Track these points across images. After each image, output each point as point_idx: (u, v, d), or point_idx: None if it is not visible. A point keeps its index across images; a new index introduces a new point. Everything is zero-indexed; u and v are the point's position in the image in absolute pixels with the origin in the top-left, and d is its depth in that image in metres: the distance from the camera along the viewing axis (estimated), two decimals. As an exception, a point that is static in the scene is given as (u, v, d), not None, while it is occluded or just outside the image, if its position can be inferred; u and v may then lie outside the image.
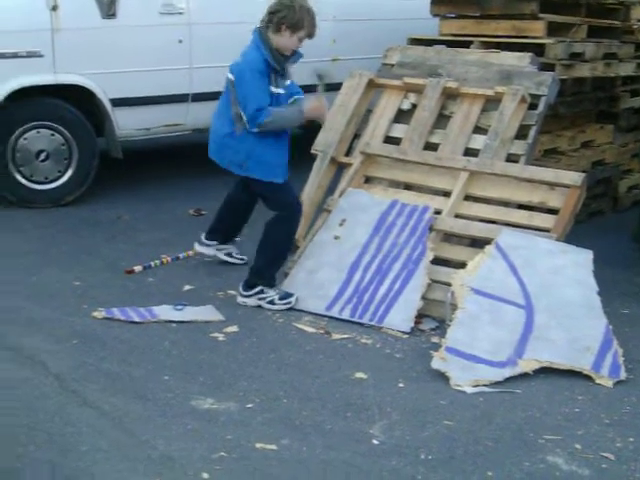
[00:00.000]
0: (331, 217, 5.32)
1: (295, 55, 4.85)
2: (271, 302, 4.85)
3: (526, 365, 4.15)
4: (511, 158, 5.49)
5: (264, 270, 4.92)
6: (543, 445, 3.56)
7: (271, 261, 4.96)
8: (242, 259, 5.52)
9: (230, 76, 4.80)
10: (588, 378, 4.13)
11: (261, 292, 4.87)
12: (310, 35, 4.79)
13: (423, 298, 4.76)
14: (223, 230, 5.54)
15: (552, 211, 5.06)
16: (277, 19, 4.67)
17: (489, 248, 4.71)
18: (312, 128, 5.75)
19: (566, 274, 4.54)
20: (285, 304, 4.84)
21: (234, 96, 4.76)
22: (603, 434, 3.68)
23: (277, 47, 4.72)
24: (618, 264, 5.77)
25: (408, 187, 5.54)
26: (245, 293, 4.91)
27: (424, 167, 5.48)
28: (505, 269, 4.58)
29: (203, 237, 5.57)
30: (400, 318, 4.70)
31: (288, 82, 4.91)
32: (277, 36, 4.70)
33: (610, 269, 5.45)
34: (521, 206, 5.21)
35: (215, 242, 5.56)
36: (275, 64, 4.73)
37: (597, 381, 4.10)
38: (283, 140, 4.87)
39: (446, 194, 5.32)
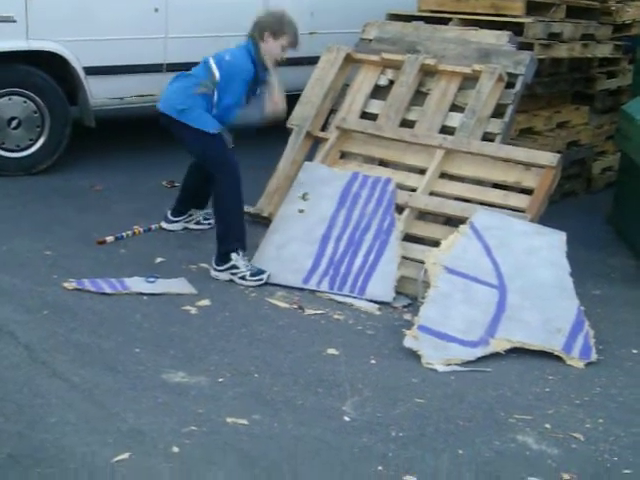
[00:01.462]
0: (291, 191, 5.30)
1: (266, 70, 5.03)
2: (242, 278, 4.83)
3: (498, 345, 4.16)
4: (487, 137, 5.49)
5: (223, 235, 4.93)
6: (513, 424, 3.58)
7: (227, 224, 4.94)
8: (210, 223, 5.53)
9: (214, 67, 4.86)
10: (559, 359, 4.15)
11: (233, 267, 4.85)
12: (293, 44, 4.97)
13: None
14: (189, 198, 5.59)
15: (527, 191, 5.07)
16: (261, 26, 4.90)
17: (464, 227, 4.71)
18: (290, 102, 5.72)
19: (540, 255, 4.55)
20: (256, 280, 4.82)
21: (210, 82, 4.86)
22: (573, 414, 3.70)
23: (263, 55, 4.90)
24: (591, 245, 5.80)
25: (383, 163, 5.52)
26: (218, 268, 4.89)
27: (400, 144, 5.46)
28: (479, 249, 4.59)
29: (169, 214, 5.64)
30: (381, 289, 4.71)
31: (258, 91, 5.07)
32: (262, 44, 4.89)
33: (583, 250, 5.48)
34: (496, 185, 5.21)
35: (181, 217, 5.62)
36: (259, 75, 4.93)
37: (568, 362, 4.12)
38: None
39: (421, 171, 5.31)
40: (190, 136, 4.92)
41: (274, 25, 4.90)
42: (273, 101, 5.03)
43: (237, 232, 4.94)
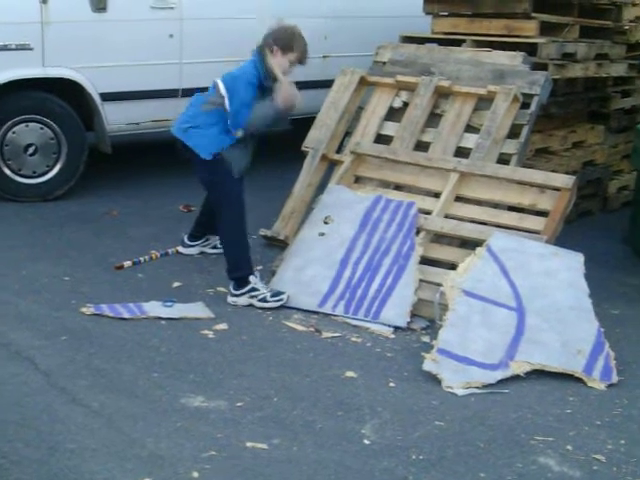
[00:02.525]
0: (314, 214, 5.30)
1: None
2: (263, 300, 4.83)
3: (518, 367, 4.13)
4: (503, 157, 5.49)
5: (236, 261, 4.93)
6: (535, 446, 3.56)
7: (232, 251, 4.95)
8: None
9: (219, 83, 4.85)
10: (580, 380, 4.12)
11: (253, 290, 4.85)
12: (301, 60, 4.98)
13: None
14: (206, 223, 5.58)
15: (542, 213, 5.05)
16: (271, 39, 4.90)
17: (480, 250, 4.69)
18: (303, 125, 5.74)
19: (557, 277, 4.53)
20: (277, 301, 4.82)
21: (217, 97, 4.83)
22: (594, 436, 3.67)
23: (271, 65, 4.86)
24: (608, 265, 5.78)
25: (398, 187, 5.52)
26: (236, 292, 4.88)
27: (414, 167, 5.46)
28: (496, 271, 4.57)
29: (186, 239, 5.66)
30: (395, 313, 4.69)
31: None
32: (271, 57, 4.87)
33: (600, 270, 5.45)
34: (511, 208, 5.20)
35: (198, 242, 5.65)
36: (265, 83, 4.87)
37: (589, 384, 4.09)
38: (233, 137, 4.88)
39: (436, 195, 5.30)
40: (196, 160, 4.91)
41: (284, 40, 4.90)
42: (283, 90, 4.89)
43: (245, 259, 4.94)
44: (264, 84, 4.88)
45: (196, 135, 4.89)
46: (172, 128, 5.03)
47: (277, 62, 4.89)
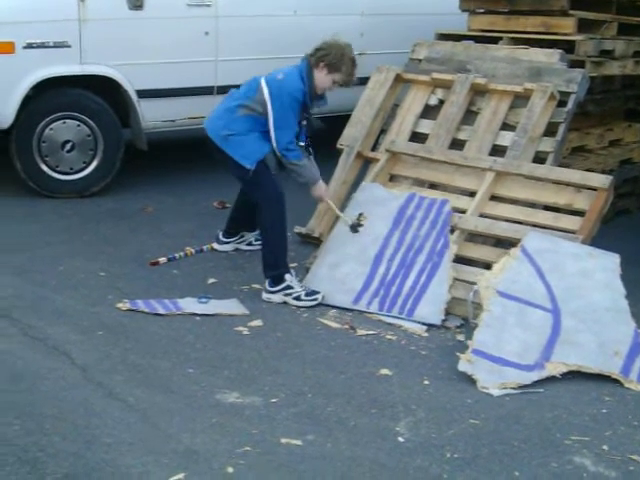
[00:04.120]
0: (347, 211, 5.30)
1: (322, 99, 5.04)
2: (297, 298, 4.83)
3: (554, 368, 4.10)
4: (539, 156, 5.45)
5: (273, 260, 4.93)
6: (570, 446, 3.53)
7: (271, 250, 4.94)
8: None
9: (264, 86, 4.84)
10: (615, 380, 4.09)
11: (288, 288, 4.85)
12: (346, 83, 4.96)
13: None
14: (241, 220, 5.61)
15: (578, 212, 5.01)
16: (320, 54, 4.86)
17: (515, 251, 4.66)
18: (337, 123, 5.74)
19: (593, 278, 4.49)
20: (311, 300, 4.83)
21: (257, 102, 4.83)
22: (631, 436, 3.64)
23: (314, 82, 4.88)
24: (645, 264, 5.71)
25: (433, 186, 5.50)
26: (271, 289, 4.89)
27: (450, 166, 5.43)
28: (531, 272, 4.54)
29: (221, 235, 5.68)
30: (429, 311, 4.68)
31: (304, 123, 5.02)
32: (316, 71, 4.87)
33: (637, 270, 5.38)
34: (547, 207, 5.17)
35: (232, 238, 5.66)
36: (308, 100, 4.88)
37: (626, 385, 4.05)
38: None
39: (472, 194, 5.27)
40: (232, 163, 4.91)
41: (333, 58, 4.85)
42: (318, 193, 5.14)
43: (280, 257, 4.94)
44: (306, 100, 4.88)
45: (237, 144, 4.85)
46: (208, 130, 5.00)
47: (320, 78, 4.88)
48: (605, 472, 3.37)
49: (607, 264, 4.56)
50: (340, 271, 5.00)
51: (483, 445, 3.51)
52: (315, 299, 4.83)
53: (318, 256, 5.15)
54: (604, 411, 3.84)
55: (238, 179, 5.07)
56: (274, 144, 4.84)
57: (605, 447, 3.54)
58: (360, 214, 5.19)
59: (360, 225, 5.12)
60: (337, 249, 5.11)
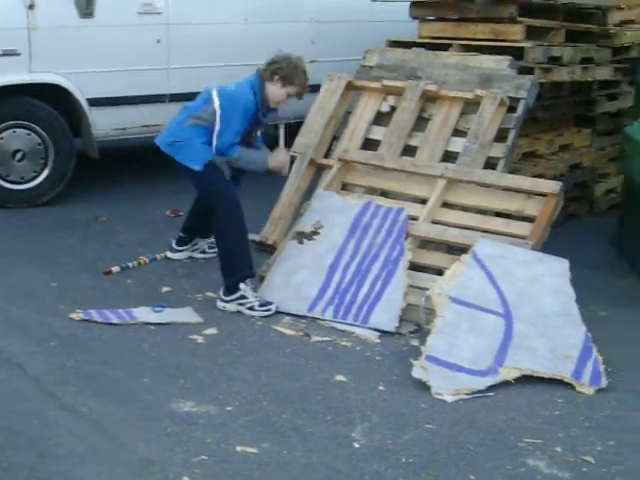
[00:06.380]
0: (304, 219, 5.30)
1: (272, 111, 5.10)
2: (251, 308, 4.82)
3: (507, 373, 4.13)
4: (490, 161, 5.50)
5: (229, 267, 4.90)
6: (524, 448, 3.57)
7: (231, 256, 4.92)
8: (215, 252, 5.49)
9: (215, 96, 4.86)
10: (567, 383, 4.13)
11: (242, 298, 4.84)
12: (299, 94, 5.03)
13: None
14: (194, 227, 5.60)
15: (528, 218, 5.06)
16: (274, 67, 4.92)
17: (466, 257, 4.70)
18: (290, 131, 5.75)
19: (543, 283, 4.55)
20: (265, 311, 4.81)
21: (207, 112, 4.86)
22: (583, 437, 3.69)
23: (267, 95, 4.94)
24: (596, 267, 5.79)
25: (385, 194, 5.52)
26: (226, 298, 4.88)
27: (402, 174, 5.46)
28: (483, 278, 4.58)
29: (174, 243, 5.66)
30: (384, 318, 4.69)
31: (259, 133, 5.14)
32: (269, 84, 4.92)
33: (588, 272, 5.47)
34: (498, 213, 5.22)
35: (186, 246, 5.65)
36: (260, 112, 4.95)
37: (578, 389, 4.09)
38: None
39: (423, 201, 5.30)
40: (183, 169, 4.92)
41: (287, 71, 4.91)
42: (278, 159, 5.11)
43: (243, 262, 4.91)
44: (258, 112, 4.93)
45: (182, 148, 4.89)
46: (157, 142, 5.02)
47: (274, 91, 4.94)
48: (559, 474, 3.40)
49: (556, 269, 4.61)
50: (295, 279, 5.00)
51: (438, 449, 3.53)
52: (269, 309, 4.82)
53: (273, 264, 5.15)
54: (557, 413, 3.89)
55: (193, 186, 5.07)
56: (214, 144, 4.83)
57: (558, 449, 3.58)
58: (317, 221, 5.19)
59: (317, 232, 5.14)
60: (292, 257, 5.11)
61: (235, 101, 4.86)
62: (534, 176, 5.78)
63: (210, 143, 4.86)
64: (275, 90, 4.94)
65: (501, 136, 5.59)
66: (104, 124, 6.79)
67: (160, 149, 4.99)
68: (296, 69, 4.96)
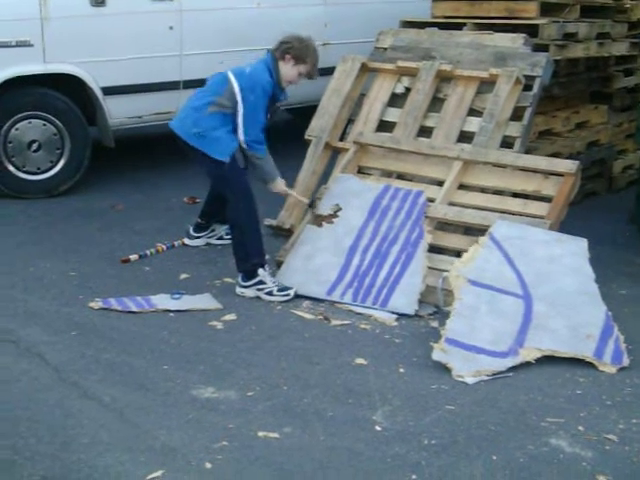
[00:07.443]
0: (323, 202, 5.29)
1: (283, 93, 5.07)
2: (269, 293, 4.82)
3: (528, 354, 4.12)
4: (506, 140, 5.47)
5: (244, 254, 4.90)
6: (546, 428, 3.56)
7: (245, 244, 4.91)
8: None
9: (233, 80, 4.84)
10: (589, 362, 4.11)
11: (260, 283, 4.84)
12: (310, 75, 5.04)
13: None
14: (211, 214, 5.61)
15: (546, 198, 5.03)
16: (285, 47, 4.93)
17: (483, 239, 4.68)
18: (305, 115, 5.74)
19: (562, 263, 4.52)
20: (283, 295, 4.81)
21: (225, 97, 4.85)
22: (605, 416, 3.67)
23: (280, 74, 4.94)
24: (615, 245, 5.77)
25: (401, 176, 5.50)
26: (244, 284, 4.88)
27: (418, 156, 5.43)
28: (500, 259, 4.55)
29: (191, 230, 5.67)
30: (403, 301, 4.68)
31: (269, 116, 5.09)
32: (281, 63, 4.93)
33: (607, 250, 5.45)
34: (515, 194, 5.19)
35: (203, 233, 5.66)
36: (278, 92, 4.97)
37: (600, 368, 4.07)
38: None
39: (440, 183, 5.28)
40: (202, 158, 4.91)
41: (298, 50, 4.93)
42: (280, 190, 5.22)
43: (256, 250, 4.91)
44: (275, 92, 4.94)
45: (211, 140, 4.85)
46: (176, 129, 4.98)
47: (286, 70, 4.95)
48: (582, 452, 3.39)
49: (575, 249, 4.58)
50: (314, 262, 4.99)
51: (460, 430, 3.52)
52: (287, 294, 4.82)
53: (292, 247, 5.14)
54: (578, 392, 3.87)
55: (208, 175, 5.07)
56: (242, 137, 4.85)
57: (581, 428, 3.56)
58: (336, 204, 5.18)
59: (335, 215, 5.13)
60: (311, 241, 5.10)
61: (254, 82, 4.85)
62: (551, 154, 5.75)
63: (234, 131, 4.86)
64: (287, 69, 4.94)
65: (517, 115, 5.56)
66: (119, 112, 6.80)
67: (177, 135, 4.96)
68: (308, 48, 4.97)
